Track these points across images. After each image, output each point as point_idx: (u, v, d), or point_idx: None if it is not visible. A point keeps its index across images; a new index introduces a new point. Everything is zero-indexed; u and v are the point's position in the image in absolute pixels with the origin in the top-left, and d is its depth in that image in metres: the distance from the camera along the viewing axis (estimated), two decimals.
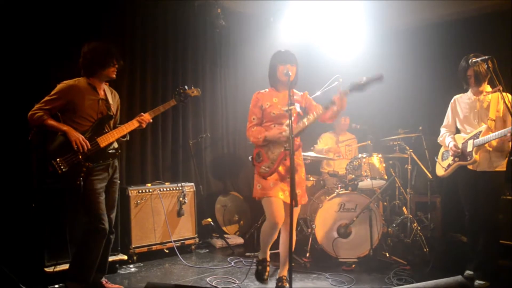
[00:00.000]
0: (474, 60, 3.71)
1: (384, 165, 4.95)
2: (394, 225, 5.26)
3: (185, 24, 5.63)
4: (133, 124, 3.61)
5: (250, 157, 3.62)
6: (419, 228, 4.99)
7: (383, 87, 6.38)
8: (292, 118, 3.13)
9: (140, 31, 5.20)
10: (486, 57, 3.59)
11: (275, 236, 3.57)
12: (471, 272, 4.00)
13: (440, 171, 4.25)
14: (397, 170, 5.71)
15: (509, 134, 3.62)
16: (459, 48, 5.70)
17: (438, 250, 4.88)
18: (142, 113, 3.72)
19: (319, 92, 4.43)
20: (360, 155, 4.90)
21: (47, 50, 4.33)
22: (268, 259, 3.66)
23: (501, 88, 3.53)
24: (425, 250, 4.75)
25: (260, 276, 3.61)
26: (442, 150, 4.29)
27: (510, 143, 3.67)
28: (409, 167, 5.16)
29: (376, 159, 4.86)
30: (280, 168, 3.45)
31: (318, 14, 5.88)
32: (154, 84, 5.35)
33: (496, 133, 3.73)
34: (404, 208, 5.45)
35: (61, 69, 4.03)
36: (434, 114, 5.92)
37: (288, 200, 3.44)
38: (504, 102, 3.44)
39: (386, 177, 4.91)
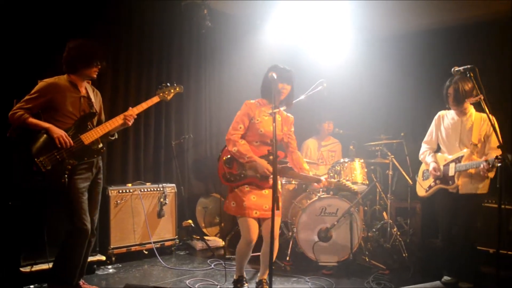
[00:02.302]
0: (456, 69, 3.73)
1: (365, 170, 4.99)
2: (374, 229, 5.31)
3: (171, 24, 5.59)
4: (117, 121, 3.55)
5: (221, 151, 3.63)
6: (398, 233, 5.05)
7: (367, 93, 6.51)
8: (275, 123, 3.13)
9: (126, 30, 5.15)
10: (469, 66, 3.62)
11: (250, 253, 3.61)
12: (449, 278, 4.06)
13: (421, 192, 4.26)
14: (378, 175, 5.77)
15: (482, 166, 3.65)
16: (443, 57, 5.82)
17: (417, 255, 4.93)
18: (130, 107, 3.67)
19: (303, 96, 4.44)
20: (342, 160, 4.93)
21: (31, 48, 4.26)
22: (244, 275, 3.70)
23: (482, 97, 3.56)
24: (404, 255, 4.80)
25: None
26: (422, 168, 4.30)
27: (486, 174, 3.71)
28: (390, 173, 5.22)
29: (358, 164, 4.89)
30: (248, 189, 3.48)
31: (305, 18, 5.91)
32: (138, 84, 5.31)
33: (473, 162, 3.76)
34: (384, 213, 5.50)
35: (44, 66, 3.97)
36: (417, 120, 6.03)
37: (264, 216, 3.49)
38: (487, 114, 3.44)
39: (367, 182, 4.95)
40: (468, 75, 3.60)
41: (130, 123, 3.64)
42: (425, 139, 4.28)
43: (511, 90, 5.16)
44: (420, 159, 4.30)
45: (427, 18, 5.92)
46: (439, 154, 4.15)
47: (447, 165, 3.97)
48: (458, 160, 3.90)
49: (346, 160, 4.90)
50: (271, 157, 3.43)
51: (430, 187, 4.13)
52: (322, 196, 4.70)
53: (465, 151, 3.88)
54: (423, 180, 4.25)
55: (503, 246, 4.57)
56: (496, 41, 5.56)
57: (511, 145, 4.13)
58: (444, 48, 6.00)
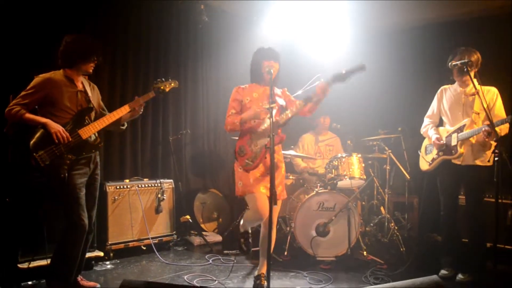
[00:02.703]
0: (453, 63, 3.78)
1: (363, 165, 4.99)
2: (372, 224, 5.31)
3: (168, 20, 5.57)
4: (114, 116, 3.55)
5: (233, 151, 3.62)
6: (396, 228, 5.05)
7: (364, 88, 6.50)
8: (273, 117, 3.13)
9: (122, 25, 5.13)
10: (465, 60, 3.65)
11: (255, 225, 3.64)
12: (446, 272, 4.08)
13: (424, 165, 4.27)
14: (376, 170, 5.76)
15: (484, 129, 3.67)
16: (441, 51, 5.78)
17: (414, 250, 4.95)
18: (136, 96, 3.69)
19: (301, 91, 4.43)
20: (339, 155, 4.92)
21: (26, 45, 4.23)
22: (250, 231, 3.68)
23: (478, 92, 3.58)
24: (401, 249, 4.82)
25: (243, 248, 3.63)
26: (425, 143, 4.32)
27: (487, 139, 3.73)
28: (388, 168, 5.22)
29: (355, 159, 4.89)
30: (261, 165, 3.47)
31: (301, 14, 5.90)
32: (135, 80, 5.30)
33: (475, 129, 3.79)
34: (382, 208, 5.51)
35: (40, 62, 3.95)
36: (414, 115, 5.98)
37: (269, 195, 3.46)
38: (481, 102, 3.46)
39: (365, 177, 4.95)
40: (465, 69, 3.64)
41: (140, 111, 3.69)
42: (428, 113, 4.30)
43: (510, 86, 5.16)
44: (421, 132, 4.32)
45: (424, 13, 5.91)
46: (441, 128, 4.18)
47: (449, 136, 4.00)
48: (460, 129, 3.93)
49: (344, 155, 4.89)
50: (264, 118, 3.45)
51: (433, 159, 4.14)
52: (319, 191, 4.70)
53: (467, 120, 3.91)
54: (426, 154, 4.26)
55: (500, 240, 4.59)
56: (495, 36, 5.55)
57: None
58: (442, 43, 5.99)
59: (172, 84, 3.91)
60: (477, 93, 3.54)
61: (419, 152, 4.35)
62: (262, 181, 3.47)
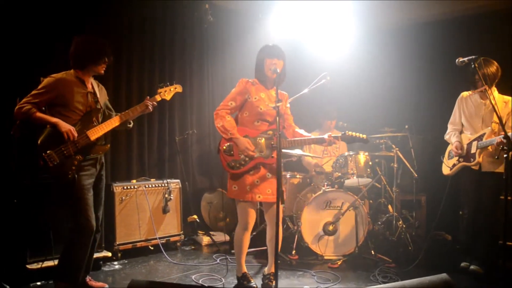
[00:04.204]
0: (460, 60, 3.72)
1: (370, 163, 4.97)
2: (379, 223, 5.29)
3: (173, 19, 5.57)
4: (115, 121, 3.55)
5: (218, 144, 3.57)
6: (404, 226, 5.03)
7: (371, 86, 6.48)
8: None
9: (127, 26, 5.13)
10: (473, 57, 3.60)
11: (247, 241, 3.60)
12: (469, 263, 4.13)
13: (445, 170, 4.33)
14: (383, 168, 5.73)
15: (496, 142, 3.71)
16: (447, 48, 5.77)
17: (422, 248, 4.92)
18: (148, 97, 3.72)
19: (307, 90, 4.43)
20: (346, 153, 4.91)
21: (31, 48, 4.25)
22: (246, 271, 3.68)
23: (486, 88, 3.55)
24: (410, 248, 4.79)
25: None
26: (449, 148, 4.37)
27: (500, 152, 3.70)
28: (395, 166, 5.19)
29: (362, 157, 4.87)
30: (261, 168, 3.46)
31: (307, 12, 5.88)
32: (140, 81, 5.30)
33: (493, 139, 3.82)
34: (389, 206, 5.48)
35: (45, 64, 3.96)
36: (421, 113, 5.96)
37: (268, 199, 3.46)
38: (490, 102, 3.43)
39: (372, 175, 4.93)
40: (472, 65, 3.59)
41: (151, 108, 3.71)
42: (450, 120, 4.36)
43: (509, 85, 5.13)
44: (445, 139, 4.39)
45: (429, 10, 5.88)
46: (463, 134, 4.24)
47: (470, 143, 4.08)
48: (480, 138, 4.00)
49: (351, 153, 4.88)
50: (269, 132, 3.46)
51: (454, 165, 4.21)
52: (326, 189, 4.69)
53: (487, 129, 3.96)
54: (448, 159, 4.32)
55: (510, 237, 4.56)
56: (500, 31, 5.51)
57: None
58: (448, 40, 5.94)
59: (177, 89, 3.90)
60: (485, 89, 3.50)
61: (441, 158, 4.40)
62: (259, 188, 3.44)
